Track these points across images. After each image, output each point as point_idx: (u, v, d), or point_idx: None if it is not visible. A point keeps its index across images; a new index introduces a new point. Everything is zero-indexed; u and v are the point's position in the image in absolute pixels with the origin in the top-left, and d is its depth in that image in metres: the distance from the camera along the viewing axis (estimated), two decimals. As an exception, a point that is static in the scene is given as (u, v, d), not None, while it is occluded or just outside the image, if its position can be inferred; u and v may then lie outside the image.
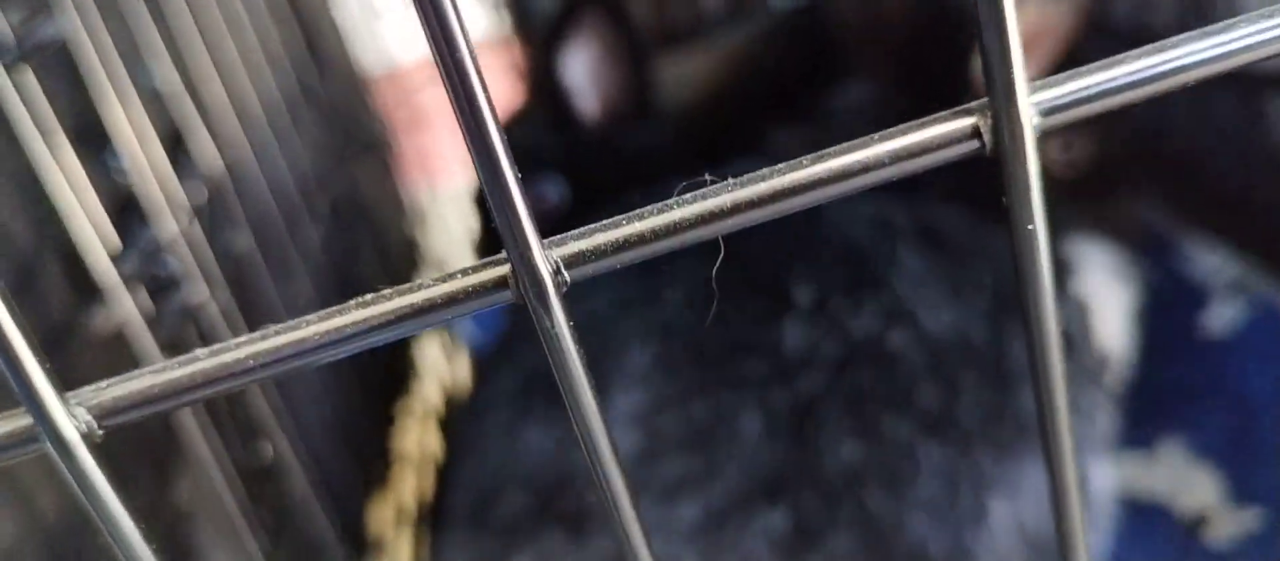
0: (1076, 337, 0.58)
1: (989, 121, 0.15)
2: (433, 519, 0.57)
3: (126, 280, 0.32)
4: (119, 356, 0.32)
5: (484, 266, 0.15)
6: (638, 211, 0.16)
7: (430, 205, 1.07)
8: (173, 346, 0.34)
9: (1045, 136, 0.16)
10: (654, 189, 0.66)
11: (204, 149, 0.46)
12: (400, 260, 0.88)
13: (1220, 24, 0.16)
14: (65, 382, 0.17)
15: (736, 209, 0.15)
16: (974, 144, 0.15)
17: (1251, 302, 0.75)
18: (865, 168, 0.15)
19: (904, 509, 0.48)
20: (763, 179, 0.15)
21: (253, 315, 0.45)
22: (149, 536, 0.18)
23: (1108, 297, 0.62)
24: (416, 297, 0.14)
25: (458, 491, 0.54)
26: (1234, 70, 0.16)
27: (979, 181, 0.59)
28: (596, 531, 0.49)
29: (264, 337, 0.15)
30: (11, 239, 0.32)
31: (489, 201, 0.15)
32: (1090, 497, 0.56)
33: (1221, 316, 0.77)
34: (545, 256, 0.14)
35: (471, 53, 0.15)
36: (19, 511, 0.28)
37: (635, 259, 0.15)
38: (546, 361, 0.53)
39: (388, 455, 0.64)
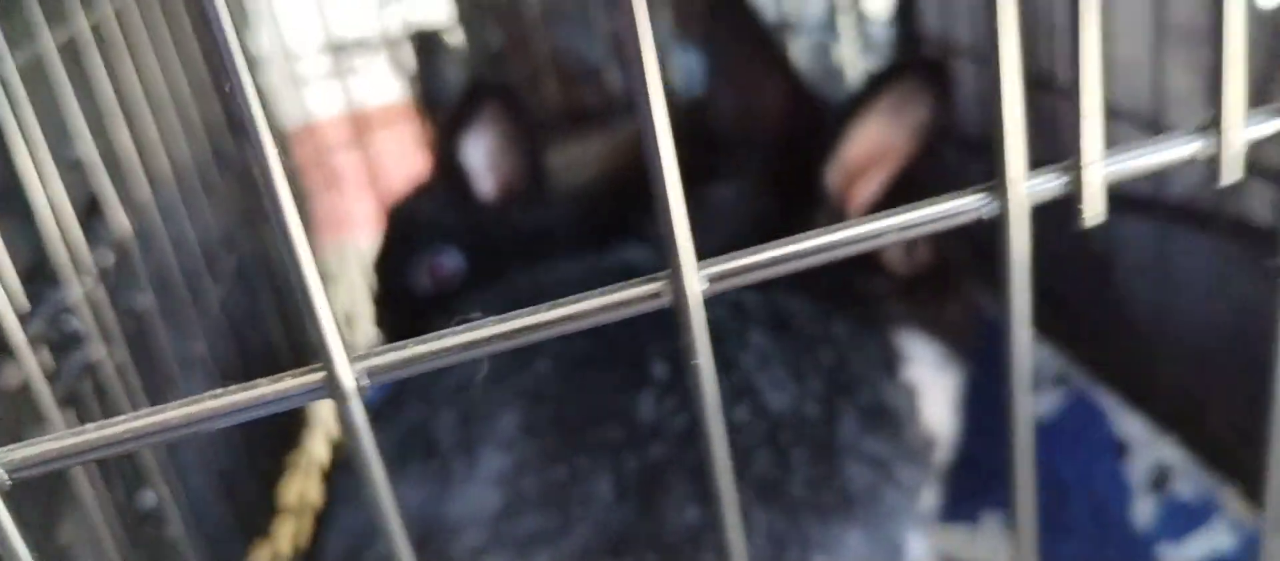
0: (904, 418, 0.65)
1: (670, 287, 0.22)
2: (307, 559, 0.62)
3: (32, 340, 0.37)
4: (23, 407, 0.36)
5: (307, 372, 0.21)
6: (435, 334, 0.22)
7: (339, 264, 1.11)
8: (70, 400, 0.38)
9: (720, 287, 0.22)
10: (543, 265, 0.72)
11: (115, 215, 0.51)
12: (304, 321, 0.92)
13: (860, 219, 0.22)
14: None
15: (494, 339, 0.21)
16: (659, 301, 0.22)
17: (1068, 393, 0.84)
18: (568, 319, 0.21)
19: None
20: (502, 322, 0.21)
21: (149, 371, 0.49)
22: (40, 562, 0.23)
23: (935, 384, 0.69)
24: (252, 394, 0.20)
25: (332, 540, 0.58)
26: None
27: (823, 275, 0.67)
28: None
29: (134, 418, 0.20)
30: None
31: (307, 318, 0.20)
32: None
33: (1042, 404, 0.86)
34: (350, 370, 0.20)
35: (297, 208, 0.20)
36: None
37: (417, 371, 0.21)
38: (425, 419, 0.59)
39: (271, 505, 0.68)
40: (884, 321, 0.66)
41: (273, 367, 0.70)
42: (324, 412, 0.83)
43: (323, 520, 0.61)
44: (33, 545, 0.23)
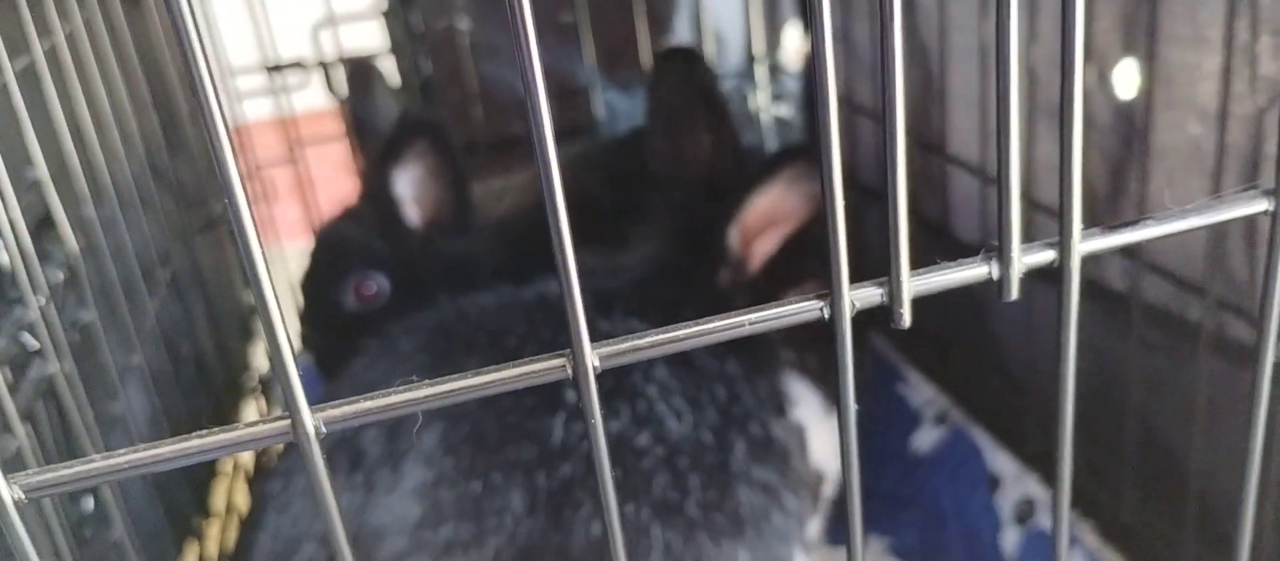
0: (792, 452, 0.72)
1: (571, 363, 0.27)
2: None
3: (-2, 358, 0.40)
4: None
5: (276, 419, 0.25)
6: (381, 392, 0.27)
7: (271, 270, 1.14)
8: (29, 415, 0.42)
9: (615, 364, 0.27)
10: (466, 294, 0.77)
11: (64, 233, 0.54)
12: (233, 326, 0.95)
13: (721, 316, 0.28)
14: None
15: (427, 399, 0.26)
16: (563, 373, 0.27)
17: (948, 430, 0.92)
18: (488, 385, 0.26)
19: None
20: (434, 384, 0.26)
21: (93, 382, 0.53)
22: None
23: (824, 427, 0.75)
24: (232, 435, 0.25)
25: (259, 544, 0.62)
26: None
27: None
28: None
29: (114, 456, 0.24)
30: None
31: (274, 371, 0.25)
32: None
33: (927, 439, 0.94)
34: (311, 419, 0.25)
35: (266, 266, 0.25)
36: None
37: (367, 421, 0.26)
38: (353, 433, 0.64)
39: (201, 508, 0.71)
40: (775, 365, 0.72)
41: (203, 376, 0.74)
42: (251, 419, 0.86)
43: (250, 524, 0.65)
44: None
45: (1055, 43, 0.52)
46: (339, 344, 0.78)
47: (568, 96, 1.12)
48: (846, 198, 0.27)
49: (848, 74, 1.00)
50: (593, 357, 0.27)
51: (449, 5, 1.08)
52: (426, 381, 0.26)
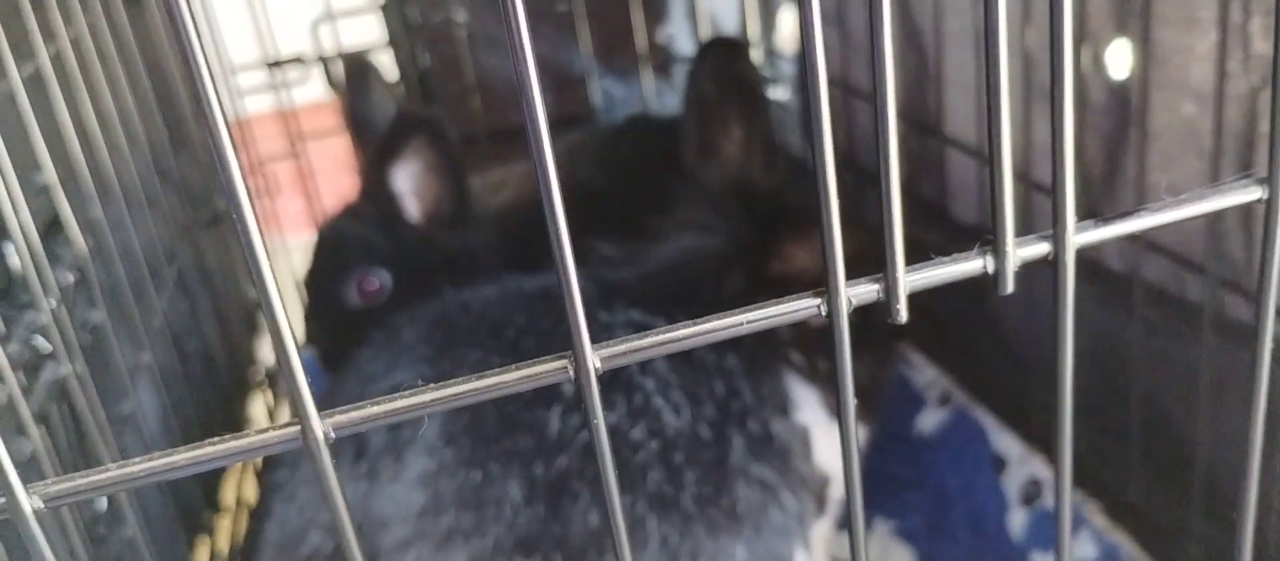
0: (794, 453, 0.72)
1: (572, 365, 0.28)
2: (244, 555, 0.66)
3: (12, 362, 0.41)
4: (5, 424, 0.41)
5: (285, 425, 0.26)
6: (387, 397, 0.27)
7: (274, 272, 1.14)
8: (43, 418, 0.43)
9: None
10: (469, 287, 0.78)
11: (73, 236, 0.55)
12: (239, 322, 0.96)
13: (718, 315, 0.29)
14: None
15: (433, 403, 0.27)
16: (565, 375, 0.28)
17: (953, 411, 0.92)
18: (494, 387, 0.27)
19: (633, 570, 0.61)
20: (440, 388, 0.27)
21: (104, 381, 0.54)
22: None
23: (831, 431, 0.75)
24: (244, 442, 0.25)
25: (268, 530, 0.63)
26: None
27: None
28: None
29: (127, 465, 0.25)
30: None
31: (281, 374, 0.26)
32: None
33: (931, 420, 0.94)
34: (320, 424, 0.26)
35: (270, 269, 0.26)
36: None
37: (375, 426, 0.26)
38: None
39: (211, 504, 0.72)
40: (781, 367, 0.73)
41: (210, 372, 0.74)
42: (258, 414, 0.87)
43: (259, 515, 0.66)
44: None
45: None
46: (342, 339, 0.79)
47: (565, 85, 1.12)
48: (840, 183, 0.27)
49: (844, 57, 1.01)
50: (594, 359, 0.27)
51: (446, -2, 1.08)
52: (430, 385, 0.27)
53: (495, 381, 0.27)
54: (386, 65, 1.08)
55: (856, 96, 1.01)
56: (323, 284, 0.86)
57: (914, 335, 0.99)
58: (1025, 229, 0.29)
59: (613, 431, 0.64)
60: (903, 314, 0.28)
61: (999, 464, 0.86)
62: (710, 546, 0.64)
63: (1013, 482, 0.85)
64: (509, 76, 1.10)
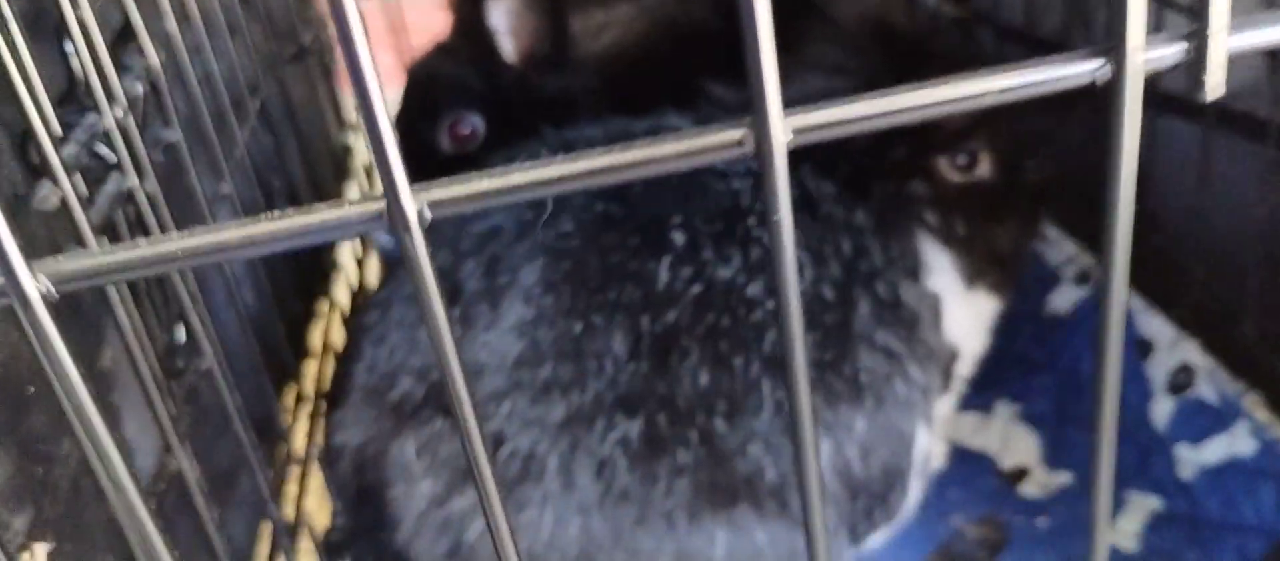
0: (922, 322, 0.65)
1: (752, 134, 0.21)
2: (331, 398, 0.63)
3: (66, 164, 0.36)
4: (59, 231, 0.36)
5: (368, 200, 0.20)
6: (501, 169, 0.21)
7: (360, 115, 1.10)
8: (105, 227, 0.38)
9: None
10: (566, 130, 0.71)
11: (145, 45, 0.50)
12: (326, 164, 0.92)
13: (960, 75, 0.21)
14: (21, 250, 0.22)
15: (559, 180, 0.20)
16: (740, 150, 0.21)
17: (1092, 289, 0.84)
18: (642, 163, 0.20)
19: (745, 436, 0.56)
20: (571, 161, 0.20)
21: (180, 206, 0.49)
22: (85, 379, 0.23)
23: (964, 302, 0.68)
24: (311, 219, 0.20)
25: (356, 374, 0.59)
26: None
27: (858, 164, 0.65)
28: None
29: (189, 236, 0.20)
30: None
31: (371, 151, 0.20)
32: (914, 455, 0.63)
33: (1065, 299, 0.86)
34: (413, 199, 0.20)
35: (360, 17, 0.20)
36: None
37: (481, 206, 0.20)
38: (450, 266, 0.59)
39: (296, 349, 0.68)
40: (914, 226, 0.65)
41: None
42: (346, 259, 0.83)
43: (345, 357, 0.62)
44: (78, 360, 0.23)
45: None
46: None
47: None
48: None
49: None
50: (783, 129, 0.20)
51: None
52: (555, 159, 0.21)
53: (647, 154, 0.20)
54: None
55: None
56: (412, 127, 0.81)
57: (1049, 206, 0.90)
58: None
59: (728, 287, 0.58)
60: (1219, 87, 0.20)
61: (1144, 348, 0.78)
62: (828, 416, 0.59)
63: (1159, 369, 0.76)
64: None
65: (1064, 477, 0.77)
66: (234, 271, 0.61)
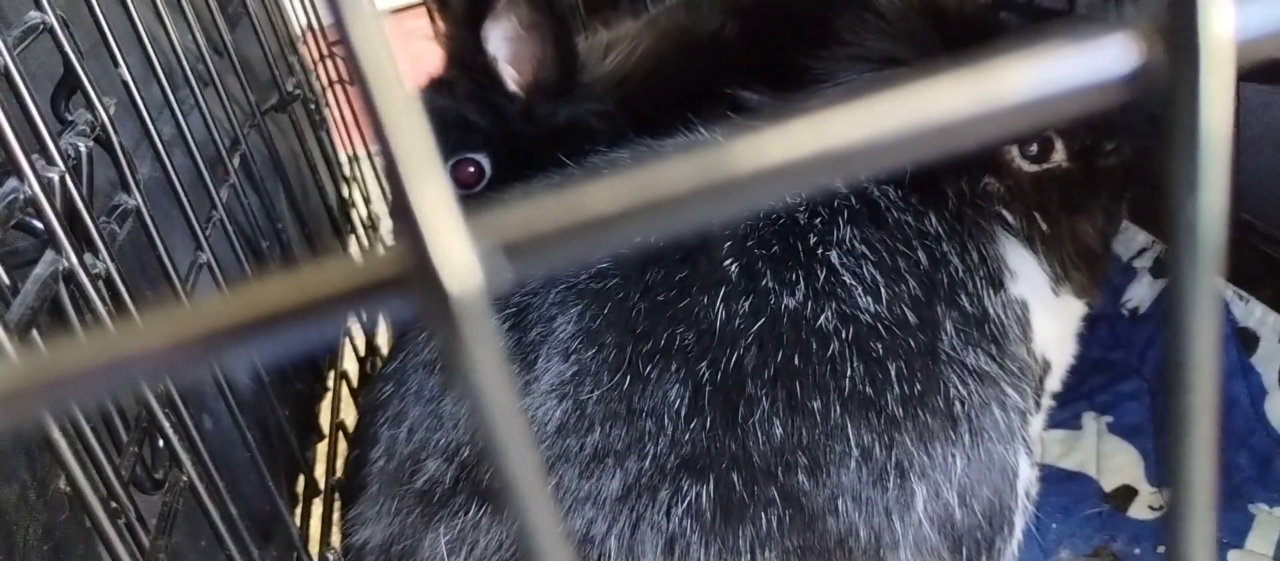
0: (1011, 335, 0.57)
1: (1158, 45, 0.12)
2: (347, 489, 0.55)
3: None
4: None
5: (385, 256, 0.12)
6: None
7: (357, 163, 1.03)
8: (33, 323, 0.30)
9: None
10: (587, 159, 0.63)
11: (91, 96, 0.42)
12: (323, 222, 0.84)
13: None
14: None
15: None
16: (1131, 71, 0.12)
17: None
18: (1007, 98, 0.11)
19: (832, 491, 0.47)
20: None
21: (150, 282, 0.41)
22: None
23: (1051, 305, 0.60)
24: (319, 283, 0.11)
25: (374, 458, 0.51)
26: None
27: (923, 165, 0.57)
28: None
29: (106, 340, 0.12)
30: None
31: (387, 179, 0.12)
32: (1017, 490, 0.55)
33: (1144, 294, 0.78)
34: (472, 240, 0.11)
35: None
36: None
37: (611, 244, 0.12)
38: None
39: (306, 429, 0.60)
40: (992, 229, 0.57)
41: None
42: (350, 322, 0.75)
43: (361, 441, 0.54)
44: None
45: None
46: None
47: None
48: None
49: None
50: (1227, 20, 0.11)
51: None
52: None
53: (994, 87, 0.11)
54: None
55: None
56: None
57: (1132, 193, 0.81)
58: None
59: (795, 319, 0.49)
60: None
61: (1247, 340, 0.70)
62: (922, 459, 0.50)
63: (1271, 363, 0.68)
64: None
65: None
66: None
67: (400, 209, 0.11)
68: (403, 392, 0.51)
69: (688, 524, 0.46)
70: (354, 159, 1.01)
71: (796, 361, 0.49)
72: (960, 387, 0.52)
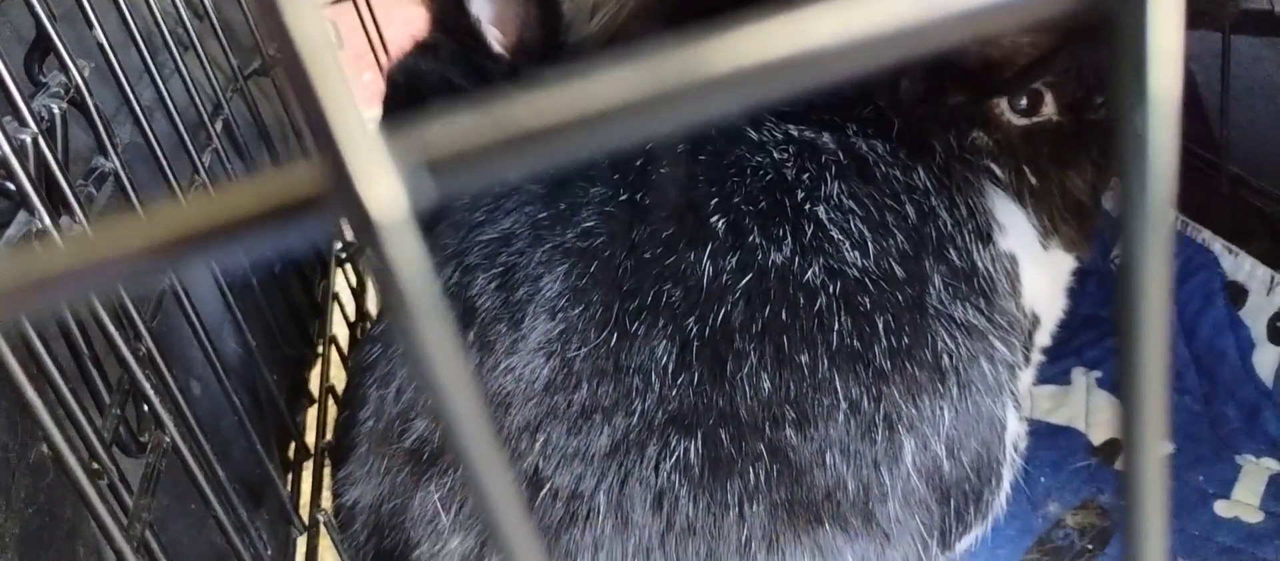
0: (1001, 289, 0.57)
1: None
2: (336, 451, 0.55)
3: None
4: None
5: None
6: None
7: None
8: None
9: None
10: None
11: (64, 58, 0.41)
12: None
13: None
14: None
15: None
16: None
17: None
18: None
19: (820, 445, 0.47)
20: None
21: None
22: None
23: (1040, 260, 0.59)
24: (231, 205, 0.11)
25: (363, 419, 0.51)
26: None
27: (909, 117, 0.57)
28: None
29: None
30: None
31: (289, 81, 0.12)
32: (1005, 443, 0.55)
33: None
34: (392, 152, 0.11)
35: None
36: None
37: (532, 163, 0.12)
38: (459, 283, 0.50)
39: (296, 394, 0.60)
40: (979, 179, 0.57)
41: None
42: (341, 286, 0.75)
43: (349, 403, 0.54)
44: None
45: None
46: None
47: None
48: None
49: None
50: None
51: None
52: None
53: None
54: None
55: None
56: (397, 136, 0.73)
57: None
58: None
59: (782, 274, 0.49)
60: None
61: (1237, 294, 0.70)
62: (909, 411, 0.50)
63: (1259, 316, 0.68)
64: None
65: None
66: (210, 312, 0.53)
67: (316, 125, 0.11)
68: (390, 353, 0.51)
69: (676, 478, 0.46)
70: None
71: (784, 316, 0.49)
72: (948, 341, 0.52)
